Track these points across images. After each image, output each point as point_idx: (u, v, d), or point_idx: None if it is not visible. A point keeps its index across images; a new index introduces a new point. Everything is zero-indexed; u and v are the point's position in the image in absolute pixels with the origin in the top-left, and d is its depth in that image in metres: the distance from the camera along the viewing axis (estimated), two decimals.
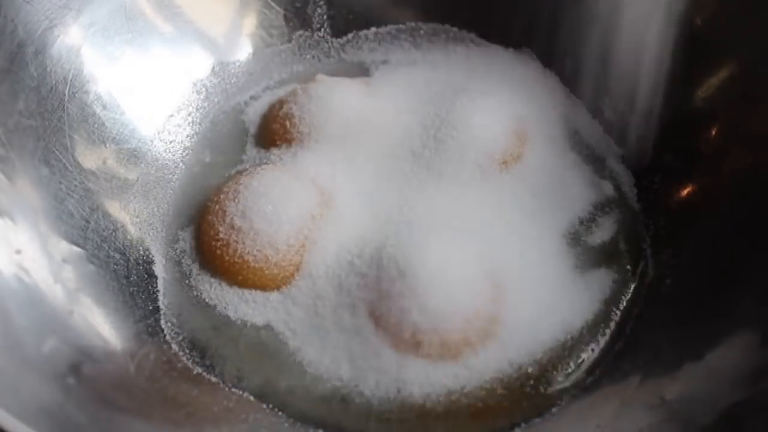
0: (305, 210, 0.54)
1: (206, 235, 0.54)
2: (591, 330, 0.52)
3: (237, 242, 0.52)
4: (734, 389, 0.43)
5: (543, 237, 0.56)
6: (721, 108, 0.56)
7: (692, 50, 0.57)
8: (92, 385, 0.44)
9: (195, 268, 0.55)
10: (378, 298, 0.50)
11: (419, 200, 0.57)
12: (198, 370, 0.50)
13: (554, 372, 0.50)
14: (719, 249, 0.52)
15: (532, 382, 0.50)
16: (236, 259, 0.52)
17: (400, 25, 0.70)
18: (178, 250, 0.56)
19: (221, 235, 0.53)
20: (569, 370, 0.51)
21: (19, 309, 0.44)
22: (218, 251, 0.53)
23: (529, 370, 0.50)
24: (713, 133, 0.56)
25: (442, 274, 0.49)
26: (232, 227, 0.53)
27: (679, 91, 0.58)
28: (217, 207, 0.54)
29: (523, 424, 0.48)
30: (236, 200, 0.53)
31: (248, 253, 0.52)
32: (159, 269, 0.55)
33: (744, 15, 0.55)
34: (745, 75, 0.55)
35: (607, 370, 0.51)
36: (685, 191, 0.57)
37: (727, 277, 0.50)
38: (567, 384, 0.50)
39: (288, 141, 0.60)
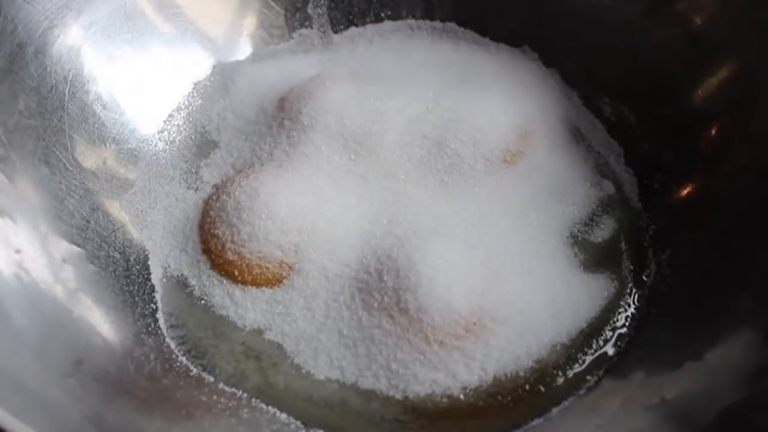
0: (302, 209, 0.54)
1: (205, 233, 0.55)
2: (591, 329, 0.52)
3: (235, 239, 0.52)
4: (734, 389, 0.43)
5: (544, 236, 0.56)
6: (721, 108, 0.56)
7: (692, 50, 0.57)
8: (92, 385, 0.44)
9: (194, 269, 0.54)
10: (378, 298, 0.50)
11: (420, 199, 0.57)
12: (196, 369, 0.50)
13: (554, 372, 0.50)
14: (719, 249, 0.52)
15: (532, 382, 0.50)
16: (234, 256, 0.53)
17: (400, 24, 0.70)
18: (177, 250, 0.56)
19: (220, 233, 0.53)
20: (569, 370, 0.51)
21: (19, 309, 0.44)
22: (217, 248, 0.53)
23: (530, 370, 0.50)
24: (713, 133, 0.56)
25: (443, 274, 0.49)
26: (231, 225, 0.53)
27: (679, 91, 0.58)
28: (216, 206, 0.55)
29: (523, 424, 0.48)
30: (235, 199, 0.53)
31: (245, 249, 0.52)
32: (158, 269, 0.55)
33: (744, 15, 0.55)
34: (745, 75, 0.55)
35: (607, 370, 0.51)
36: (686, 191, 0.57)
37: (727, 276, 0.50)
38: (567, 384, 0.50)
39: (287, 140, 0.59)
